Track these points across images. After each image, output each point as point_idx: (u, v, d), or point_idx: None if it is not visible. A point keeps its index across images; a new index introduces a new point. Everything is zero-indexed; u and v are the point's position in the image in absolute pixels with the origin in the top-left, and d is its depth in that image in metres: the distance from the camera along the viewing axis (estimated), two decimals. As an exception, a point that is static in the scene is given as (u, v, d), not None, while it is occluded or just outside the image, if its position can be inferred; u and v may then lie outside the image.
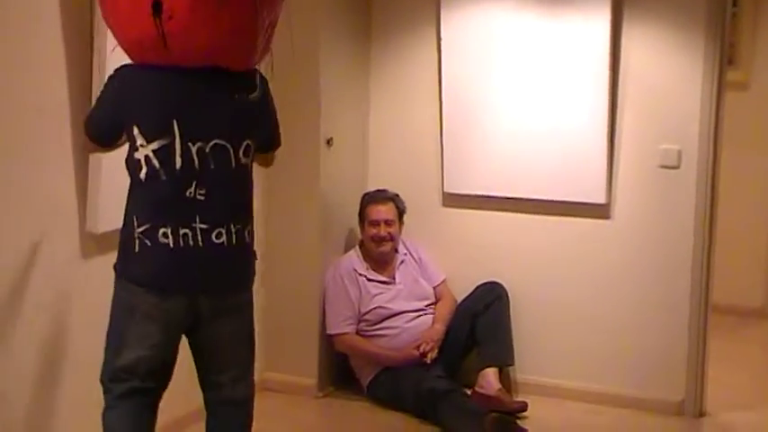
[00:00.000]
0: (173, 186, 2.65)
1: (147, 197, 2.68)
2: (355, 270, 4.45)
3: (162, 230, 2.65)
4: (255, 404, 2.97)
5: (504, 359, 4.40)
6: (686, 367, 4.30)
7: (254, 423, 2.97)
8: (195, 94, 2.67)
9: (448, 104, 4.53)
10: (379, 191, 4.55)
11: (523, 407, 4.26)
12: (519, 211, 4.53)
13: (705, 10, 4.15)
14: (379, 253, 4.46)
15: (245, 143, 2.75)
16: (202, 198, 2.67)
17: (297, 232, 4.47)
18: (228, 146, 2.71)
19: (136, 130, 2.64)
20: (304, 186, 4.42)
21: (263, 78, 2.83)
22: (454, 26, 4.46)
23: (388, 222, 4.45)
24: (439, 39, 4.51)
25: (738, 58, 5.83)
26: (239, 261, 2.81)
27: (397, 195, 4.52)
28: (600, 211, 4.40)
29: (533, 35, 4.35)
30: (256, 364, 2.98)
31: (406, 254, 4.57)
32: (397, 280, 4.50)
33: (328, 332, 4.44)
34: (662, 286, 4.33)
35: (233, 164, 2.73)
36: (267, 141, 2.94)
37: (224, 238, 2.71)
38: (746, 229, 5.91)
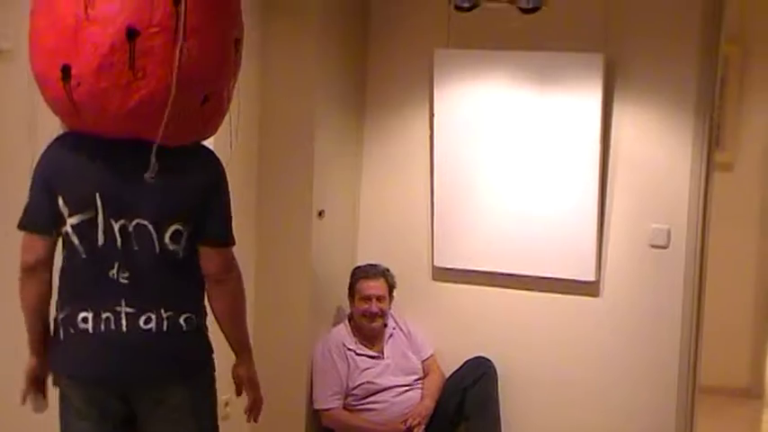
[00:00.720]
0: (94, 265, 2.44)
1: (68, 277, 2.48)
2: (344, 344, 4.40)
3: (82, 315, 2.44)
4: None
5: (492, 436, 4.36)
6: (675, 448, 4.28)
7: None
8: (120, 168, 2.43)
9: (439, 179, 4.56)
10: (370, 265, 4.52)
11: (511, 486, 4.21)
12: (508, 286, 4.53)
13: (695, 91, 4.21)
14: (370, 329, 4.43)
15: (172, 228, 2.47)
16: (126, 281, 2.45)
17: (286, 304, 4.43)
18: (151, 228, 2.45)
19: (61, 201, 2.44)
20: (294, 257, 4.40)
21: (213, 159, 2.58)
22: (447, 102, 4.50)
23: (379, 298, 4.42)
24: (432, 115, 4.55)
25: (723, 140, 5.91)
26: (172, 350, 2.51)
27: (388, 270, 4.50)
28: (589, 288, 4.40)
29: (525, 113, 4.40)
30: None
31: (395, 327, 4.54)
32: (386, 354, 4.46)
33: (315, 407, 4.38)
34: (650, 366, 4.32)
35: (156, 249, 2.45)
36: (212, 232, 2.55)
37: (152, 324, 2.46)
38: (732, 309, 5.92)
